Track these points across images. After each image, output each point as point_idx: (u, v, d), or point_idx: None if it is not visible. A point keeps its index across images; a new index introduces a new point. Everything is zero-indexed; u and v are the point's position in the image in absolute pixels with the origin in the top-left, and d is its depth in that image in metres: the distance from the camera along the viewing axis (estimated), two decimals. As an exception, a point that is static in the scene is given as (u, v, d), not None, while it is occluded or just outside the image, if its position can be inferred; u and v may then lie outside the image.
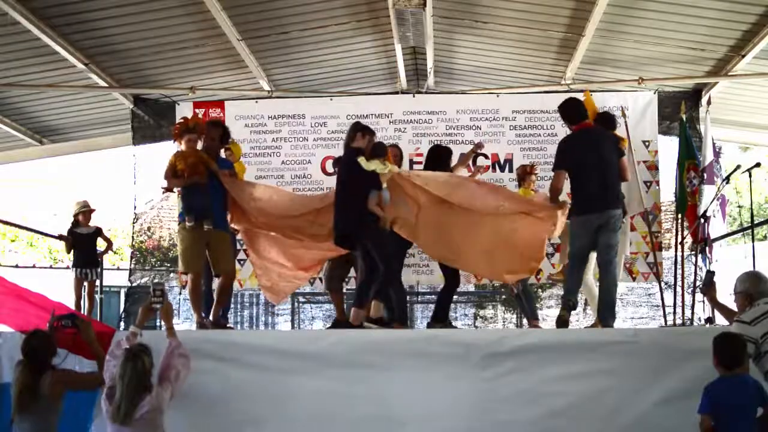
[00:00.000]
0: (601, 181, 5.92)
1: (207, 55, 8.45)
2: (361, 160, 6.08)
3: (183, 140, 6.23)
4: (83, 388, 4.80)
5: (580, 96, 6.88)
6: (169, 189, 6.30)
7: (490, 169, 8.71)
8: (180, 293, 9.45)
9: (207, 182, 6.16)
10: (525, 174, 7.49)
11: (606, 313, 5.92)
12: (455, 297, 11.10)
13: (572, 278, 6.08)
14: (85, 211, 7.56)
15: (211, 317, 6.19)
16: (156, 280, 5.46)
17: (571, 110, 6.20)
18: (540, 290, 11.67)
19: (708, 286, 5.14)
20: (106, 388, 4.38)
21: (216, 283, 6.38)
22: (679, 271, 7.71)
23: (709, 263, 7.29)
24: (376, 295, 6.23)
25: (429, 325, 6.70)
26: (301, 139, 8.91)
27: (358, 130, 6.29)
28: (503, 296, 12.11)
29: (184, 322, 9.43)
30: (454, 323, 10.90)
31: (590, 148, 5.99)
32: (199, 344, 5.17)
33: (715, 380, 4.30)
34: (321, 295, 11.27)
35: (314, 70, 9.19)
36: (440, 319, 6.62)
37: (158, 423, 4.31)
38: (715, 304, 4.78)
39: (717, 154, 7.87)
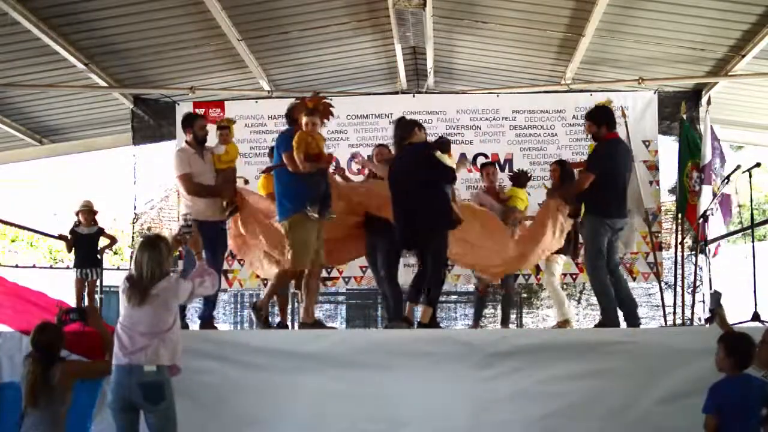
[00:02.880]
0: (625, 190, 6.26)
1: (207, 55, 8.45)
2: (439, 155, 5.94)
3: (303, 123, 5.84)
4: (93, 377, 4.83)
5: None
6: (303, 171, 5.77)
7: (490, 169, 8.71)
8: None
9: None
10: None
11: (636, 319, 6.14)
12: (455, 297, 11.12)
13: (601, 280, 6.12)
14: (86, 210, 7.56)
15: (306, 318, 5.92)
16: (184, 213, 5.45)
17: (611, 118, 6.29)
18: (540, 290, 11.66)
19: (717, 309, 4.96)
20: (124, 278, 4.49)
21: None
22: (679, 271, 7.72)
23: (709, 262, 7.30)
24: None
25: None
26: (301, 139, 8.89)
27: (416, 125, 6.16)
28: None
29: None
30: (454, 323, 10.96)
31: (624, 157, 6.26)
32: (199, 344, 5.18)
33: (720, 380, 4.29)
34: (321, 295, 11.26)
35: (314, 70, 9.20)
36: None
37: (171, 306, 4.44)
38: (724, 326, 4.72)
39: (717, 153, 7.86)
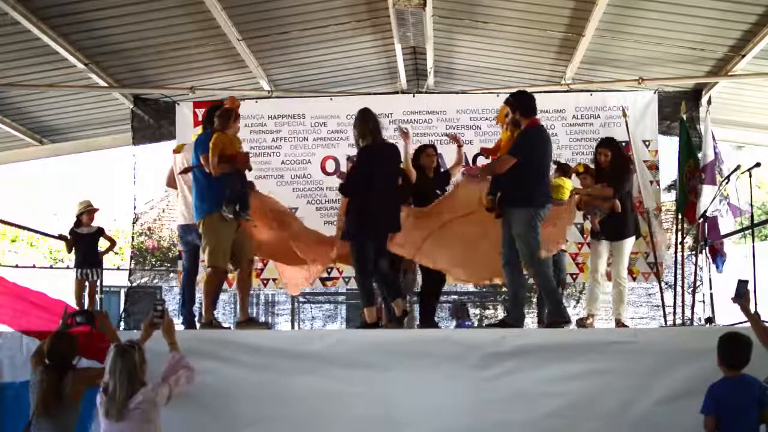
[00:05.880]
0: (548, 179, 6.18)
1: (207, 55, 8.45)
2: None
3: (235, 126, 6.08)
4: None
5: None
6: (214, 174, 5.85)
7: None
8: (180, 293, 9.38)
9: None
10: None
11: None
12: (455, 297, 11.12)
13: (548, 275, 5.89)
14: (89, 211, 7.56)
15: (240, 317, 6.20)
16: (157, 298, 5.28)
17: (531, 102, 5.99)
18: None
19: (741, 297, 4.66)
20: (101, 390, 4.37)
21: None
22: (679, 271, 7.72)
23: (712, 263, 7.30)
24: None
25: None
26: (301, 139, 8.89)
27: None
28: (503, 296, 12.12)
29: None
30: (454, 323, 10.97)
31: (548, 144, 6.00)
32: (199, 344, 5.18)
33: (718, 380, 4.30)
34: (321, 295, 11.28)
35: (314, 70, 9.19)
36: (428, 318, 6.65)
37: (152, 417, 4.31)
38: (748, 315, 4.62)
39: (718, 154, 7.87)
